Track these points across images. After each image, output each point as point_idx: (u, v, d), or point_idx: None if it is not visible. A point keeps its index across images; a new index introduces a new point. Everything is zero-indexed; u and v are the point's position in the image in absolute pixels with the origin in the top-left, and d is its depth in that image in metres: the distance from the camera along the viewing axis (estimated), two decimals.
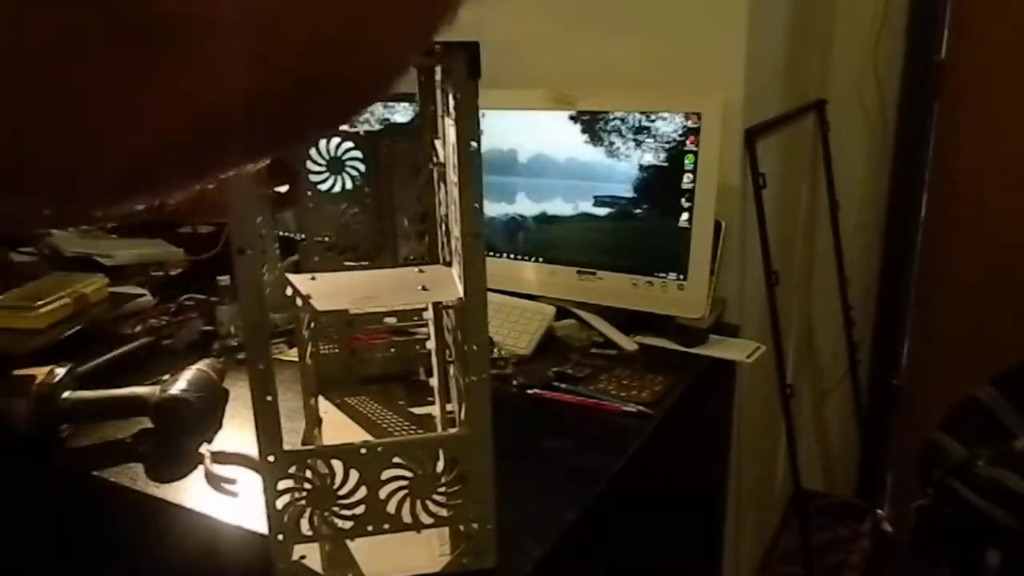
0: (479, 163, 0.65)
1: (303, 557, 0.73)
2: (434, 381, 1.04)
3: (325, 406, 1.03)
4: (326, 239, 1.00)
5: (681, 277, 1.27)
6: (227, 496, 0.90)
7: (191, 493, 0.90)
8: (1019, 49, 1.73)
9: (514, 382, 1.16)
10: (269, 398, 0.67)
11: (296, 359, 0.97)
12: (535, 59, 1.47)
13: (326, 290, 0.75)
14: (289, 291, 0.73)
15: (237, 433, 1.02)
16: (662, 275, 1.28)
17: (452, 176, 0.71)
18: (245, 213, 0.64)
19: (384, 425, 1.02)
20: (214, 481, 0.92)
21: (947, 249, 1.91)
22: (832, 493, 2.11)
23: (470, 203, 0.66)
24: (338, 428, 1.00)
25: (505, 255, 1.43)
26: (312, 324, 1.00)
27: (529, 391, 1.13)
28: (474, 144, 0.65)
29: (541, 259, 1.40)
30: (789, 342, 1.84)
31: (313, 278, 0.77)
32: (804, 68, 1.77)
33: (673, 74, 1.39)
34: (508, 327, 1.28)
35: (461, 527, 0.73)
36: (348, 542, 0.75)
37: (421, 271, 0.81)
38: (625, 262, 1.32)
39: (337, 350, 1.10)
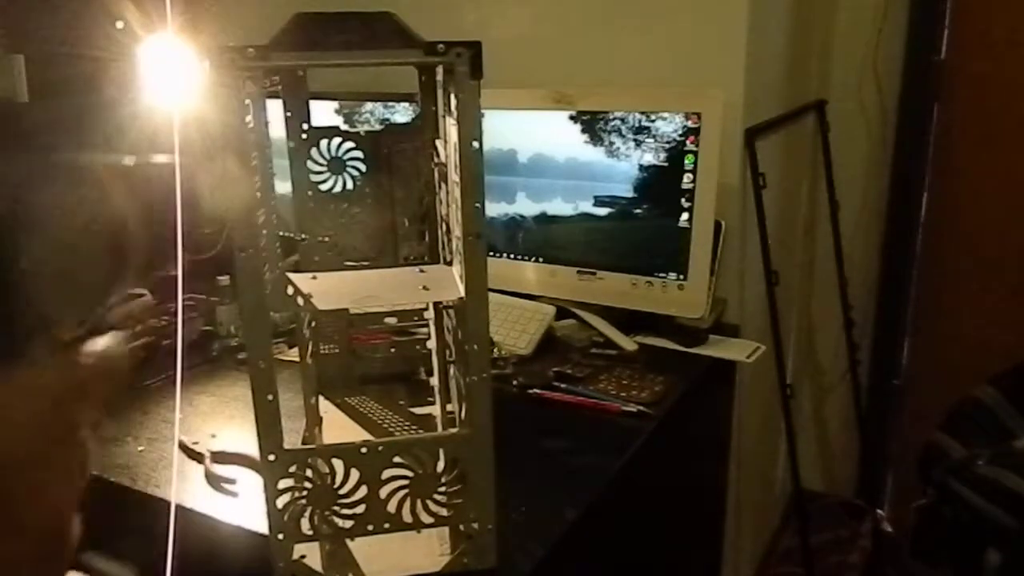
0: (481, 163, 0.65)
1: (303, 556, 0.73)
2: (434, 381, 1.04)
3: (325, 406, 1.03)
4: (326, 239, 1.00)
5: (681, 277, 1.27)
6: (227, 496, 0.90)
7: (191, 493, 0.90)
8: (1018, 49, 1.73)
9: (514, 382, 1.16)
10: (270, 397, 0.67)
11: (296, 359, 0.97)
12: (535, 59, 1.47)
13: (327, 289, 0.75)
14: (290, 290, 0.73)
15: (237, 433, 1.02)
16: (662, 275, 1.28)
17: (453, 176, 0.71)
18: (246, 213, 0.64)
19: (384, 425, 1.01)
20: (214, 481, 0.92)
21: (947, 249, 1.91)
22: (832, 493, 2.11)
23: (472, 203, 0.66)
24: (338, 428, 1.00)
25: (505, 255, 1.43)
26: (312, 324, 1.00)
27: (529, 391, 1.13)
28: (476, 144, 0.65)
29: (541, 259, 1.40)
30: (789, 342, 1.84)
31: (314, 277, 0.77)
32: (804, 68, 1.77)
33: (673, 74, 1.39)
34: (508, 327, 1.28)
35: (461, 527, 0.73)
36: (348, 541, 0.76)
37: (422, 271, 0.81)
38: (625, 262, 1.32)
39: (337, 350, 1.10)
